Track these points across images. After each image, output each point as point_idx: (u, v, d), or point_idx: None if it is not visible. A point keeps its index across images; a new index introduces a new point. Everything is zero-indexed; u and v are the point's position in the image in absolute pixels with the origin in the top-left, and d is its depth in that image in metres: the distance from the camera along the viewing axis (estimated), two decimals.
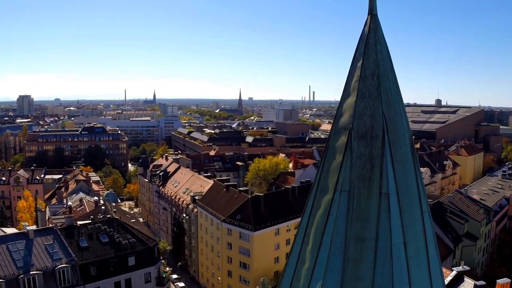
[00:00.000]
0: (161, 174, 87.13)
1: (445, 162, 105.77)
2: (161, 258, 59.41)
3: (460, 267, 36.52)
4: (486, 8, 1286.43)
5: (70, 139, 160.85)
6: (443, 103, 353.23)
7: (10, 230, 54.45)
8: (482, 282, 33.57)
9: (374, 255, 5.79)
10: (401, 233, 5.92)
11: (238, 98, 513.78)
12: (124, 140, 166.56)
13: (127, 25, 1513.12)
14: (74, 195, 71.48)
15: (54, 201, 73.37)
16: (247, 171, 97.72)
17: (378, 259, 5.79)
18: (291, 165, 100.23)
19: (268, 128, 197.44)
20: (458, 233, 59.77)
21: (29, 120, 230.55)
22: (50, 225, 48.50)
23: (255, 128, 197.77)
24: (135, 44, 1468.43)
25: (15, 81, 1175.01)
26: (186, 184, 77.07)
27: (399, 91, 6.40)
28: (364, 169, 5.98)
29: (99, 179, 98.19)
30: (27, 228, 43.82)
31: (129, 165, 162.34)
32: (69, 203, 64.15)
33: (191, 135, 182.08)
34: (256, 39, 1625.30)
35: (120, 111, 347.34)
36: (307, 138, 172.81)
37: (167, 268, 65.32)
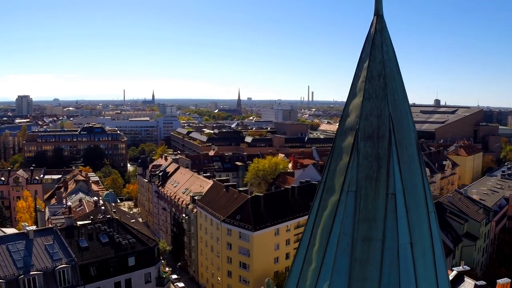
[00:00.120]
0: (160, 174, 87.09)
1: (444, 162, 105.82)
2: (161, 258, 59.36)
3: (460, 267, 36.56)
4: (486, 8, 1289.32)
5: (69, 139, 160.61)
6: (442, 103, 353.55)
7: (9, 230, 54.39)
8: (482, 282, 33.60)
9: (381, 255, 5.80)
10: (408, 234, 5.93)
11: (237, 98, 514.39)
12: (123, 140, 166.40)
13: (126, 25, 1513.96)
14: (74, 195, 71.38)
15: (53, 201, 73.33)
16: (246, 171, 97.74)
17: (385, 260, 5.80)
18: (290, 165, 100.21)
19: (267, 128, 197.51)
20: (458, 233, 59.85)
21: (28, 120, 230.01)
22: (50, 226, 48.45)
23: (254, 128, 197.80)
24: (134, 44, 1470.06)
25: (14, 81, 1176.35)
26: (186, 184, 77.04)
27: (405, 92, 6.42)
28: (371, 170, 5.99)
29: (98, 179, 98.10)
30: (27, 228, 43.75)
31: (128, 165, 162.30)
32: (69, 203, 64.06)
33: (190, 135, 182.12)
34: (255, 39, 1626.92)
35: (119, 111, 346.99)
36: (306, 138, 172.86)
37: (167, 269, 65.26)
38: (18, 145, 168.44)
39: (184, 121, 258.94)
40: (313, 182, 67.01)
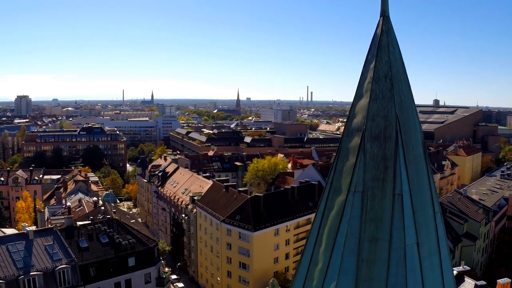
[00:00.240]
0: (159, 174, 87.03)
1: (443, 162, 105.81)
2: (161, 258, 59.33)
3: (461, 267, 36.60)
4: (485, 8, 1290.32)
5: (68, 140, 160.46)
6: (441, 103, 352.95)
7: (9, 231, 54.27)
8: (482, 282, 33.62)
9: (388, 255, 5.83)
10: (415, 234, 5.96)
11: (236, 98, 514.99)
12: (122, 140, 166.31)
13: (125, 25, 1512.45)
14: (73, 195, 71.27)
15: (53, 201, 73.22)
16: (245, 172, 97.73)
17: (392, 260, 5.82)
18: (289, 165, 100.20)
19: (266, 129, 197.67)
20: (458, 233, 59.90)
21: (27, 120, 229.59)
22: (50, 226, 48.37)
23: (253, 129, 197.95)
24: (133, 44, 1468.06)
25: (13, 82, 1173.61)
26: (185, 185, 77.00)
27: (411, 93, 6.44)
28: (378, 170, 6.01)
29: (97, 179, 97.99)
30: (27, 228, 43.67)
31: (127, 165, 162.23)
32: (68, 203, 63.96)
33: (190, 135, 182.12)
34: (254, 39, 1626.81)
35: (118, 112, 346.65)
36: (305, 138, 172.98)
37: (166, 269, 65.27)
38: (17, 145, 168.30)
39: (183, 121, 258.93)
40: (313, 182, 67.05)
